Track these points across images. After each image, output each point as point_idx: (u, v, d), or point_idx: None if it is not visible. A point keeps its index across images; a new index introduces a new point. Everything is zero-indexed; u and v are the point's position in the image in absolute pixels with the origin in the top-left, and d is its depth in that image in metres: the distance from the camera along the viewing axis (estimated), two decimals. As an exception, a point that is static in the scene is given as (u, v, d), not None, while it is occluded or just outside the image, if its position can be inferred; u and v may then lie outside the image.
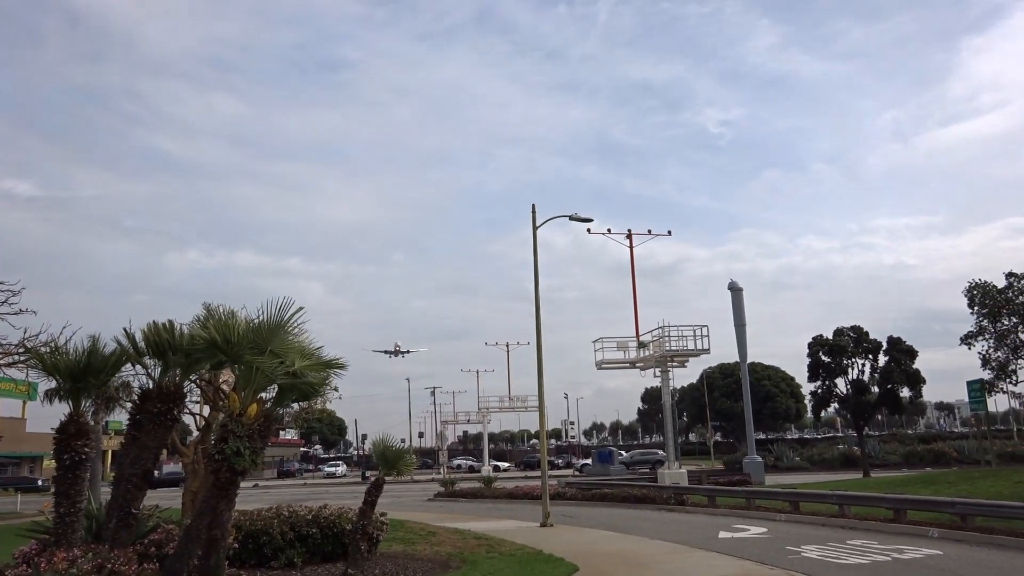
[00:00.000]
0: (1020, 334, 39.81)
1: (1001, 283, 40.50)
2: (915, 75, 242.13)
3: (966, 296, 41.35)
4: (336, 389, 12.30)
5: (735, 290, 48.83)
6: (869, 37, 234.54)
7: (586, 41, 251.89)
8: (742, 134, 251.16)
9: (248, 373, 8.75)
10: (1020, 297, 39.50)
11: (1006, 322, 40.25)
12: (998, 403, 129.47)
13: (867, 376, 48.91)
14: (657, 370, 40.12)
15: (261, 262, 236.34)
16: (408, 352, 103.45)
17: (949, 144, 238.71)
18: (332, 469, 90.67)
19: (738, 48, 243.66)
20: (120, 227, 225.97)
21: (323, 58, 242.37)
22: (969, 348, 41.49)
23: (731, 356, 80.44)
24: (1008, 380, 40.72)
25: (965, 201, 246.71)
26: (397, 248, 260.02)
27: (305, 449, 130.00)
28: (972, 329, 41.36)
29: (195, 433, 20.37)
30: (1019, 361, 39.99)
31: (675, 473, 37.55)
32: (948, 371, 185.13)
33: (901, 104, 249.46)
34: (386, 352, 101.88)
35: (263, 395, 9.39)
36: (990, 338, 40.74)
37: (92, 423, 12.05)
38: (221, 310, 9.53)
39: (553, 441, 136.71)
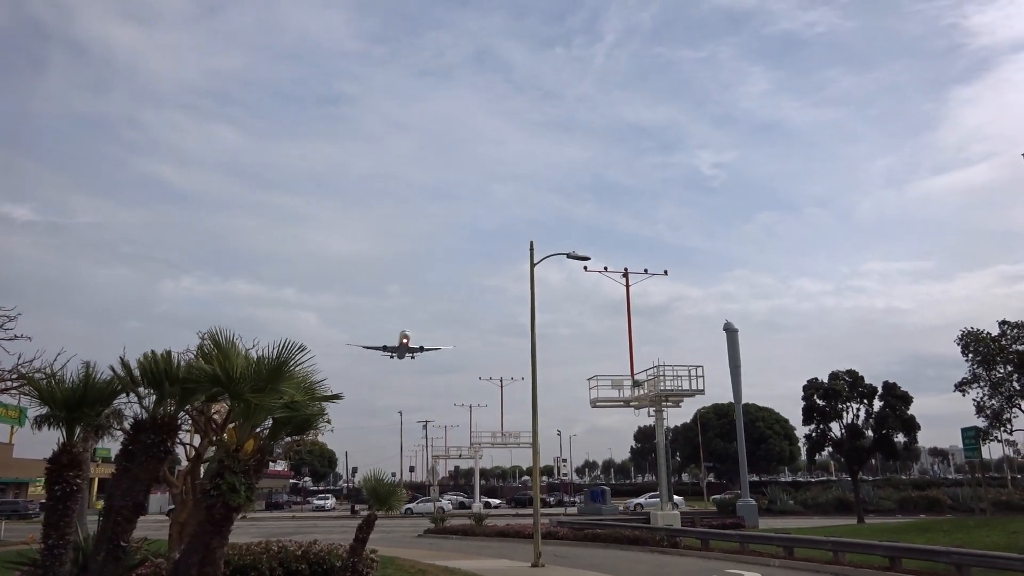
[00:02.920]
0: (1015, 383, 39.81)
1: (994, 330, 40.64)
2: (906, 123, 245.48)
3: (959, 344, 41.44)
4: (329, 421, 12.15)
5: (730, 331, 48.85)
6: (859, 85, 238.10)
7: (582, 82, 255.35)
8: (735, 176, 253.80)
9: (247, 409, 8.71)
10: (1014, 345, 39.59)
11: (1000, 370, 40.27)
12: (992, 451, 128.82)
13: (862, 421, 48.75)
14: (651, 409, 40.00)
15: (256, 291, 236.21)
16: (422, 350, 79.97)
17: (941, 192, 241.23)
18: (321, 502, 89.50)
19: (731, 93, 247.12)
20: (117, 253, 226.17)
21: (322, 92, 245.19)
22: (963, 395, 41.47)
23: (725, 397, 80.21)
24: (1003, 428, 40.62)
25: (956, 248, 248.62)
26: (393, 280, 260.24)
27: (294, 481, 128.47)
28: (966, 376, 41.37)
29: (184, 463, 20.19)
30: (1014, 410, 39.95)
31: (668, 515, 37.24)
32: (942, 417, 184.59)
33: (893, 151, 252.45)
34: (388, 351, 78.78)
35: (258, 429, 9.34)
36: (984, 386, 40.73)
37: (82, 451, 11.94)
38: (221, 337, 9.44)
39: (545, 478, 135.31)
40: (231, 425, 11.79)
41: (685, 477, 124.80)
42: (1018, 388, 39.82)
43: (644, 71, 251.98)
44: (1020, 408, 39.82)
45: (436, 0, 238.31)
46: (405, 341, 78.84)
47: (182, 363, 11.11)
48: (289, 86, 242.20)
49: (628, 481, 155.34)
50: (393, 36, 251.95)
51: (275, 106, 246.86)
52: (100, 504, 14.94)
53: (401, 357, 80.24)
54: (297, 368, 9.01)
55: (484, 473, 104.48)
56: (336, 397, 10.05)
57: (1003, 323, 40.43)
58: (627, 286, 43.87)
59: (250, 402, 8.62)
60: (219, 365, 8.79)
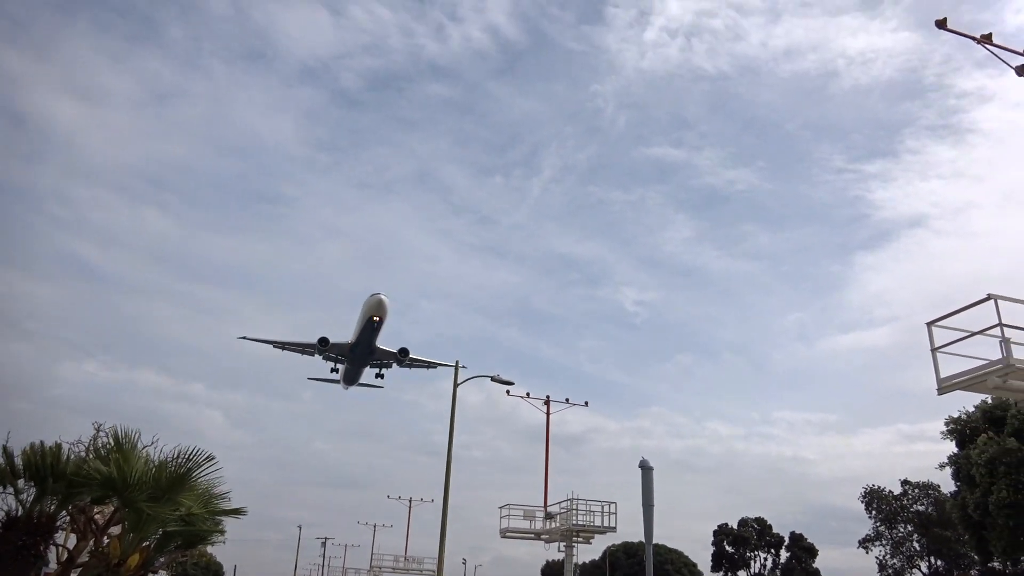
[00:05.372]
0: (915, 543, 40.67)
1: (895, 487, 41.87)
2: (816, 282, 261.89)
3: (863, 500, 42.41)
4: (223, 532, 11.25)
5: (646, 469, 48.55)
6: (774, 242, 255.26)
7: (518, 211, 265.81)
8: (657, 316, 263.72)
9: (138, 519, 8.03)
10: (914, 505, 40.71)
11: (902, 529, 41.18)
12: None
13: (768, 570, 48.63)
14: (562, 544, 38.91)
15: (162, 383, 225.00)
16: (404, 359, 55.60)
17: (846, 349, 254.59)
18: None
19: (656, 236, 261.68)
20: (19, 328, 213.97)
21: (262, 190, 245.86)
22: (867, 552, 42.03)
23: (634, 535, 78.90)
24: (904, 589, 41.10)
25: (859, 404, 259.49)
26: (308, 386, 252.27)
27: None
28: (869, 533, 42.12)
29: (52, 566, 18.37)
30: (914, 570, 40.61)
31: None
32: (846, 570, 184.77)
33: (804, 307, 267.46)
34: (341, 359, 55.60)
35: (146, 543, 8.60)
36: (887, 544, 41.46)
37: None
38: (124, 436, 8.79)
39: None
40: (115, 530, 10.83)
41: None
42: (918, 548, 40.65)
43: (577, 207, 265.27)
44: (920, 569, 40.50)
45: (386, 120, 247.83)
46: (376, 320, 52.49)
47: (72, 457, 10.29)
48: (229, 180, 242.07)
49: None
50: (339, 147, 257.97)
51: (212, 198, 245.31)
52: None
53: (360, 363, 55.75)
54: (200, 478, 8.45)
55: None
56: (239, 512, 9.41)
57: (905, 483, 41.73)
58: (548, 414, 43.63)
59: (144, 512, 7.96)
60: (116, 468, 8.16)
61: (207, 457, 8.61)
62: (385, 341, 55.42)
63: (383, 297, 52.65)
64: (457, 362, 27.88)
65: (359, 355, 55.48)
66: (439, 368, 56.51)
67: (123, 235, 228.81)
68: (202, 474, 8.58)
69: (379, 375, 57.76)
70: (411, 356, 56.22)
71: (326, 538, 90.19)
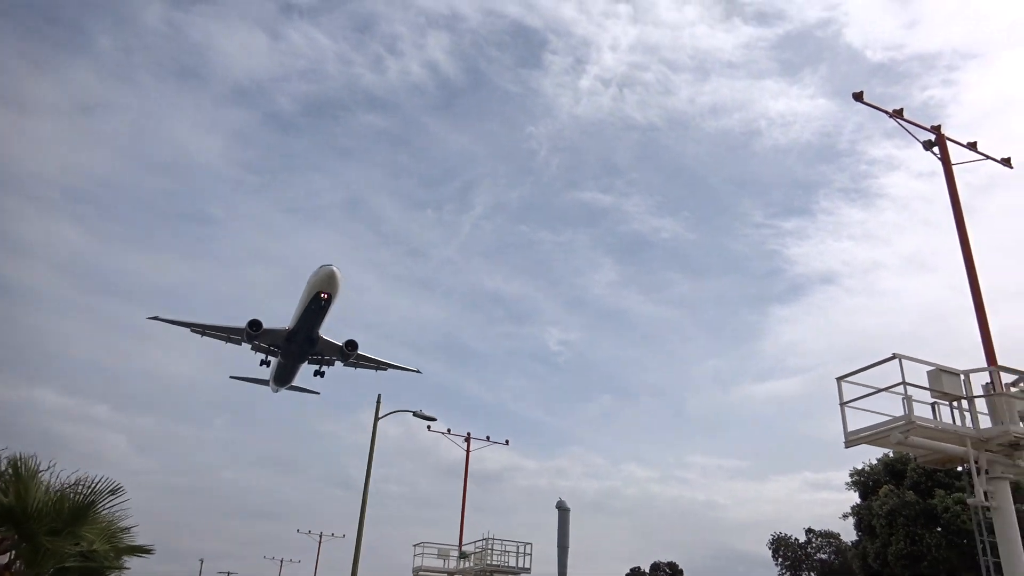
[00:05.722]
0: (818, 591, 41.83)
1: (801, 535, 43.09)
2: (733, 331, 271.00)
3: (770, 547, 43.46)
4: (124, 569, 10.57)
5: (563, 509, 48.65)
6: (695, 290, 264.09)
7: (448, 246, 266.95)
8: (580, 356, 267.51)
9: (35, 553, 7.52)
10: (818, 554, 41.94)
11: (806, 576, 42.32)
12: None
13: (678, 616, 49.04)
14: (475, 584, 38.42)
15: (64, 404, 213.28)
16: (350, 355, 47.66)
17: (760, 398, 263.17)
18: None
19: (583, 278, 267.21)
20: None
21: (186, 209, 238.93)
22: (773, 600, 42.95)
23: (549, 576, 78.64)
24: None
25: (770, 451, 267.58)
26: (221, 412, 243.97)
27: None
28: (776, 580, 43.10)
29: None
30: (816, 617, 41.67)
31: None
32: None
33: (721, 355, 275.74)
34: (270, 350, 46.90)
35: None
36: (792, 592, 42.50)
37: None
38: (23, 465, 8.19)
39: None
40: (7, 565, 10.13)
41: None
42: (821, 596, 41.81)
43: (506, 245, 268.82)
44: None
45: (320, 147, 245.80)
46: (324, 298, 43.32)
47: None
48: (152, 196, 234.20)
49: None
50: (269, 170, 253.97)
51: (132, 213, 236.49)
52: None
53: (297, 357, 46.11)
54: (105, 511, 7.98)
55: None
56: (145, 550, 8.85)
57: (809, 531, 43.01)
58: (468, 451, 43.36)
59: (42, 546, 7.44)
60: (16, 498, 7.60)
61: (112, 488, 8.12)
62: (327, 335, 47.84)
63: (335, 269, 43.45)
64: (379, 396, 27.43)
65: (298, 346, 46.57)
66: (389, 370, 49.24)
67: (33, 245, 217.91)
68: (106, 506, 8.09)
69: (319, 373, 48.44)
70: (359, 353, 47.65)
71: (229, 572, 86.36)
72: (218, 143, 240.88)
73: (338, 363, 47.98)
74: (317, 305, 43.65)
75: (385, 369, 49.72)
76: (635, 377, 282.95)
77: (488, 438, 44.57)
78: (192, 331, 48.97)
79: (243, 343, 48.48)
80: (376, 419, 26.82)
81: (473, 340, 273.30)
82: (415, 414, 27.71)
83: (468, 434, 43.73)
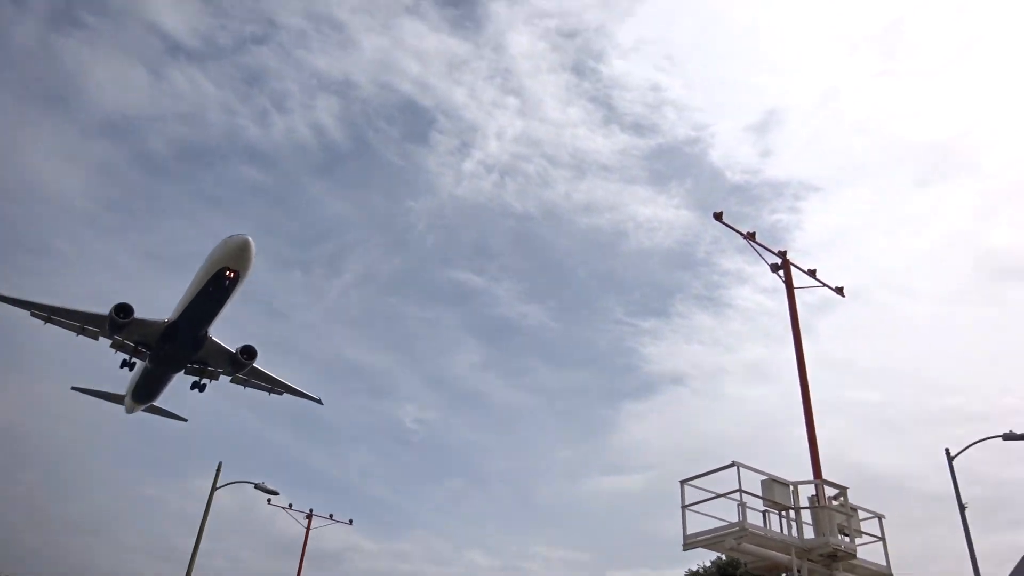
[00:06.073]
0: None
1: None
2: (586, 424, 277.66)
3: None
4: None
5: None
6: (554, 379, 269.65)
7: (311, 310, 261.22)
8: (435, 436, 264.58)
9: None
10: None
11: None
12: None
13: None
14: (299, 675, 36.00)
15: None
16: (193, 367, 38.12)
17: (605, 492, 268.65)
18: None
19: (446, 357, 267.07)
20: None
21: (30, 243, 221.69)
22: None
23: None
24: None
25: (611, 545, 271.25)
26: (28, 464, 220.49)
27: None
28: None
29: None
30: None
31: None
32: None
33: (573, 446, 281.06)
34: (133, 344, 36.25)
35: None
36: None
37: None
38: None
39: None
40: None
41: None
42: None
43: (372, 316, 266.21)
44: None
45: (189, 194, 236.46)
46: (230, 276, 32.39)
47: None
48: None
49: None
50: (131, 210, 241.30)
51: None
52: None
53: (173, 361, 35.04)
54: None
55: None
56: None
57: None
58: (308, 528, 41.24)
59: None
60: None
61: None
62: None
63: (250, 238, 32.97)
64: (220, 464, 25.65)
65: (177, 347, 34.85)
66: (284, 395, 41.21)
67: None
68: None
69: (198, 386, 37.65)
70: (255, 367, 37.26)
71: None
72: (79, 174, 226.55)
73: (223, 377, 38.55)
74: (218, 287, 32.84)
75: (280, 393, 41.33)
76: (488, 462, 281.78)
77: (331, 516, 42.67)
78: (33, 315, 37.64)
79: (101, 337, 37.02)
80: (214, 487, 25.18)
81: (326, 410, 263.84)
82: (257, 486, 26.25)
83: (311, 511, 41.69)
